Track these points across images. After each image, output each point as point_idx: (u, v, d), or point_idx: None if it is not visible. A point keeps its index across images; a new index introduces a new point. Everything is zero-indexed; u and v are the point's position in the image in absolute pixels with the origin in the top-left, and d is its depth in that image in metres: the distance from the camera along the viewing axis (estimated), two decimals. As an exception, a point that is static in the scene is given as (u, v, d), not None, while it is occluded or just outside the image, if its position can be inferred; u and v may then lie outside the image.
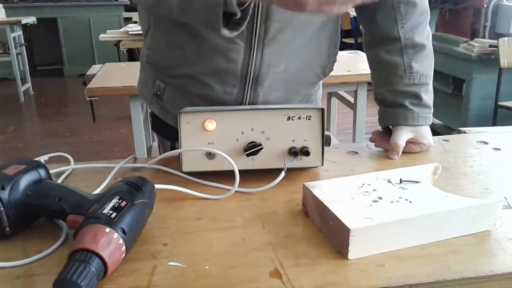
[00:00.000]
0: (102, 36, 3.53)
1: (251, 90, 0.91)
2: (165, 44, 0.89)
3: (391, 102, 0.96)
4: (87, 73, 2.51)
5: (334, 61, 1.01)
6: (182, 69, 0.90)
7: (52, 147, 3.78)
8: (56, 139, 4.05)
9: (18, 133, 4.27)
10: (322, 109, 0.82)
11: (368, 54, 1.02)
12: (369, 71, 1.03)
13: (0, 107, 5.09)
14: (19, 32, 5.55)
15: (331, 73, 1.04)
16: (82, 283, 0.49)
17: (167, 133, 1.06)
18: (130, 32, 3.38)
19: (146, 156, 2.33)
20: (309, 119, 0.81)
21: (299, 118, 0.81)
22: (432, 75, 0.96)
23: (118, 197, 0.60)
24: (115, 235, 0.55)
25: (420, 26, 0.94)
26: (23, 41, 5.67)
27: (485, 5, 3.53)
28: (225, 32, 0.69)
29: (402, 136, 0.93)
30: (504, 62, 3.15)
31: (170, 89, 0.98)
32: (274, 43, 0.87)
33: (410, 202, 0.66)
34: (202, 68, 0.89)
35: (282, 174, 0.78)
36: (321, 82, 1.10)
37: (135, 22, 4.70)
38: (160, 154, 0.91)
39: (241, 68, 0.88)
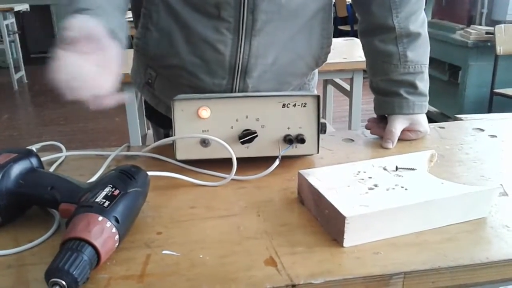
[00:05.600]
0: (96, 23, 3.49)
1: (240, 81, 0.90)
2: (154, 34, 0.88)
3: (386, 91, 0.96)
4: (81, 60, 2.47)
5: (328, 52, 0.99)
6: (171, 59, 0.89)
7: (46, 136, 3.76)
8: (51, 127, 4.02)
9: (12, 121, 4.24)
10: (318, 96, 0.81)
11: (363, 43, 1.01)
12: (365, 59, 1.02)
13: (-6, 96, 5.05)
14: (12, 20, 5.48)
15: (327, 61, 1.03)
16: (74, 272, 0.48)
17: (160, 121, 1.06)
18: (124, 19, 3.34)
19: (141, 144, 2.32)
20: (304, 106, 0.81)
21: (294, 105, 0.80)
22: (428, 63, 0.96)
23: (111, 185, 0.60)
24: (108, 223, 0.54)
25: (415, 14, 0.93)
26: (16, 29, 5.61)
27: (482, -8, 3.52)
28: None
29: (398, 125, 0.92)
30: (500, 49, 3.14)
31: (161, 78, 0.97)
32: (262, 34, 0.86)
33: (406, 189, 0.65)
34: (190, 59, 0.88)
35: (277, 162, 0.77)
36: (316, 70, 1.09)
37: (129, 9, 4.64)
38: (155, 142, 0.90)
39: (229, 60, 0.87)
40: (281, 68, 0.93)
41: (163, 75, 0.96)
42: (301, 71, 0.99)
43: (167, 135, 1.08)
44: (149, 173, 0.68)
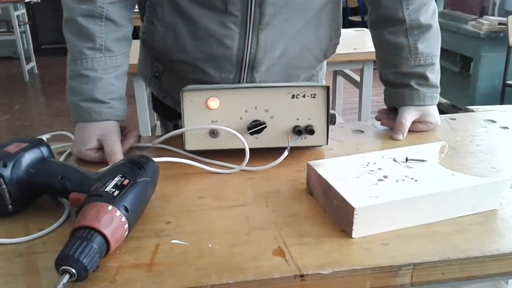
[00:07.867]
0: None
1: (247, 75, 0.90)
2: (160, 29, 0.88)
3: (396, 82, 0.95)
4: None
5: (337, 43, 0.98)
6: (178, 54, 0.89)
7: (57, 126, 3.78)
8: (61, 118, 4.04)
9: (23, 112, 4.27)
10: (327, 87, 0.80)
11: (373, 35, 0.99)
12: (375, 50, 1.01)
13: (5, 86, 5.08)
14: (22, 11, 5.50)
15: (337, 51, 1.02)
16: (84, 260, 0.49)
17: (167, 113, 1.05)
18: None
19: (150, 135, 2.33)
20: (313, 97, 0.80)
21: (304, 96, 0.80)
22: (439, 54, 0.94)
23: (121, 175, 0.60)
24: (118, 213, 0.54)
25: (425, 6, 0.91)
26: (27, 20, 5.63)
27: (495, -18, 3.47)
28: None
29: (408, 116, 0.91)
30: (513, 40, 3.10)
31: (168, 72, 0.97)
32: (270, 28, 0.85)
33: (416, 181, 0.65)
34: (197, 54, 0.87)
35: (286, 153, 0.77)
36: (324, 62, 1.08)
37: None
38: (162, 134, 0.91)
39: (237, 54, 0.87)
40: (289, 61, 0.92)
41: (170, 69, 0.95)
42: (309, 63, 0.98)
43: (176, 126, 1.08)
44: (159, 159, 0.68)
